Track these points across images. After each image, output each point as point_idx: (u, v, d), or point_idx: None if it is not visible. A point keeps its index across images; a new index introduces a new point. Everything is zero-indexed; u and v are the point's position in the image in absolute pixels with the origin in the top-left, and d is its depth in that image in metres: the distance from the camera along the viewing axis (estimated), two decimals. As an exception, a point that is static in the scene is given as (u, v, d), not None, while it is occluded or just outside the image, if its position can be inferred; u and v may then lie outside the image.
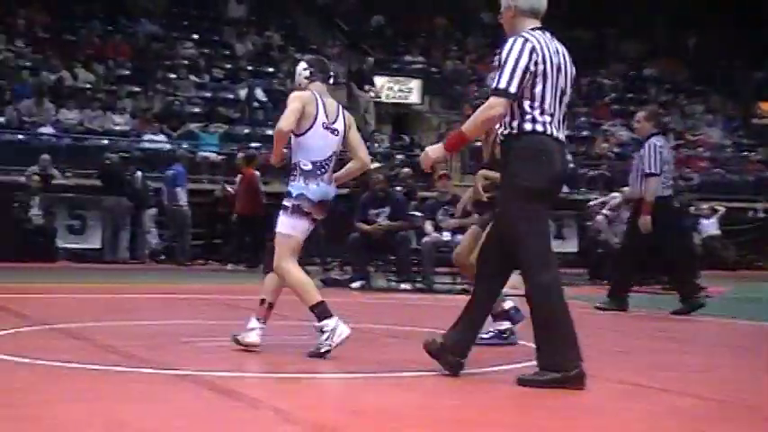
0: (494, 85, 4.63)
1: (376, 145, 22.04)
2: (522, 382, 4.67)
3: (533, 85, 4.64)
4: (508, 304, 6.57)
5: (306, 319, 7.00)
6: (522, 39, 4.66)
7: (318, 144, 5.77)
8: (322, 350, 5.52)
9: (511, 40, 4.69)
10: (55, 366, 5.05)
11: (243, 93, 21.95)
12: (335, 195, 5.89)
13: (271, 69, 23.72)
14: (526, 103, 4.65)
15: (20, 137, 18.89)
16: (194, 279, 11.97)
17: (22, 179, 16.84)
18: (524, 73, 4.60)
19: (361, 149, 5.96)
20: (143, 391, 4.50)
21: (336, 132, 5.82)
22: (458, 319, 4.93)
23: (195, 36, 24.22)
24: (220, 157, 19.68)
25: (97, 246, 16.93)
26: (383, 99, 23.74)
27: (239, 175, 16.11)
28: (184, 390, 4.61)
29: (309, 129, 5.76)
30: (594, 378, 4.83)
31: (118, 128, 19.70)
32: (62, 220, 16.85)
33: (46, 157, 17.24)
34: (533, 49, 4.62)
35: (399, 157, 21.45)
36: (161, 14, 24.72)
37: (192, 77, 22.23)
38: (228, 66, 23.41)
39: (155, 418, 3.86)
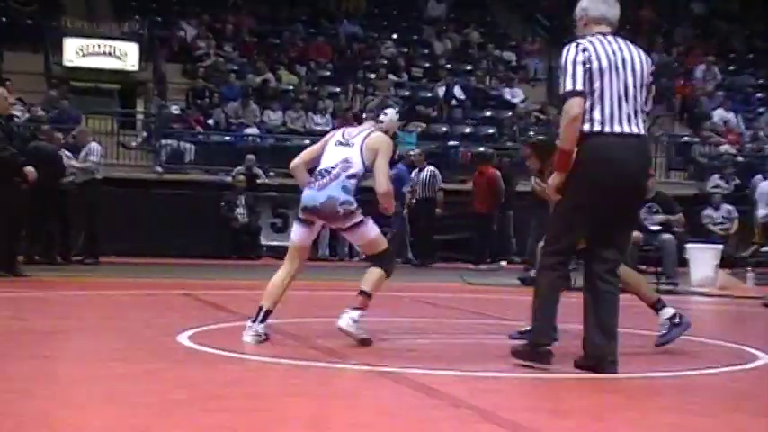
0: (561, 90, 4.89)
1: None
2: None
3: (591, 84, 4.83)
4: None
5: (508, 318, 6.92)
6: (575, 43, 4.97)
7: (329, 153, 6.12)
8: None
9: (565, 48, 5.01)
10: (260, 361, 5.17)
11: (441, 91, 22.02)
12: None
13: (469, 67, 23.69)
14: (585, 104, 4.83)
15: (227, 138, 19.60)
16: (401, 277, 12.04)
17: (229, 179, 17.45)
18: (583, 70, 4.84)
19: (377, 176, 6.02)
20: (345, 388, 4.54)
21: (350, 144, 6.07)
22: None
23: (395, 36, 24.49)
24: (419, 155, 19.77)
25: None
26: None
27: (475, 173, 16.37)
28: (385, 387, 4.62)
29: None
30: None
31: (319, 128, 20.14)
32: (266, 219, 17.34)
33: (251, 157, 17.80)
34: (585, 49, 4.90)
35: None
36: (362, 16, 25.13)
37: (391, 77, 22.47)
38: (427, 64, 23.54)
39: (357, 414, 3.88)
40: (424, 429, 3.66)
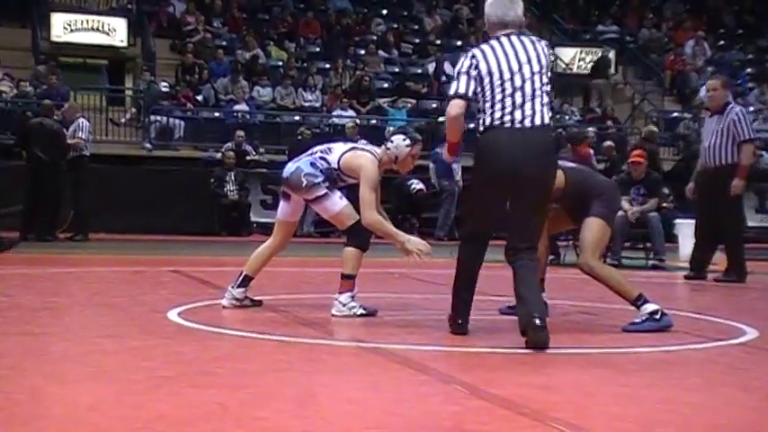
0: (449, 93, 5.44)
1: (566, 117, 21.68)
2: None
3: (481, 86, 5.30)
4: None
5: (500, 295, 6.94)
6: (469, 53, 5.42)
7: None
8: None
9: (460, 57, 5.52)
10: (250, 337, 5.18)
11: (431, 67, 21.98)
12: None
13: (459, 43, 23.65)
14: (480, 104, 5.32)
15: (216, 114, 19.55)
16: (389, 253, 12.05)
17: (218, 155, 17.42)
18: (468, 77, 5.31)
19: (361, 208, 6.09)
20: (332, 363, 4.55)
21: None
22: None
23: (384, 12, 24.43)
24: (409, 131, 19.78)
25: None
26: (574, 70, 23.28)
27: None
28: (372, 362, 4.63)
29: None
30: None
31: (308, 104, 20.10)
32: (255, 195, 17.32)
33: (240, 133, 17.77)
34: (473, 56, 5.33)
35: (590, 129, 21.00)
36: (351, -9, 25.07)
37: (381, 53, 22.42)
38: (417, 40, 23.50)
39: (345, 390, 3.89)
40: (413, 405, 3.67)
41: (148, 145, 18.46)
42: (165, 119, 18.87)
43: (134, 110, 19.71)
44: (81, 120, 14.29)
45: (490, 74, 5.27)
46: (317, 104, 20.26)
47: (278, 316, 6.19)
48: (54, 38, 20.78)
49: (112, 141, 18.43)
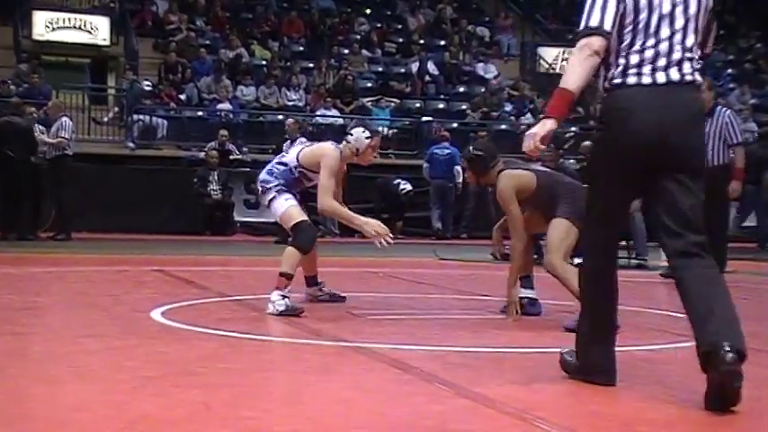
0: (582, 25, 3.96)
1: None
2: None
3: (622, 23, 3.88)
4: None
5: (481, 294, 6.96)
6: None
7: None
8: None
9: None
10: (234, 337, 5.17)
11: (414, 66, 22.00)
12: None
13: (442, 42, 23.68)
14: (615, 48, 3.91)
15: (199, 113, 19.51)
16: (375, 252, 12.07)
17: (202, 155, 17.38)
18: (616, 7, 3.87)
19: (318, 194, 6.16)
20: (319, 363, 4.55)
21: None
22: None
23: (368, 11, 24.43)
24: (392, 131, 19.79)
25: (272, 220, 17.32)
26: (557, 70, 23.34)
27: None
28: (357, 362, 4.63)
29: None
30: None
31: (292, 103, 20.08)
32: (239, 195, 17.30)
33: (224, 132, 17.73)
34: None
35: (573, 129, 21.07)
36: (335, -10, 25.06)
37: (365, 52, 22.42)
38: (401, 40, 23.50)
39: (329, 389, 3.89)
40: (397, 404, 3.67)
41: (131, 144, 18.40)
42: (147, 118, 18.81)
43: (117, 109, 19.64)
44: (64, 119, 14.23)
45: (637, 9, 3.84)
46: (301, 104, 20.24)
47: (262, 315, 6.19)
48: (36, 36, 20.69)
49: (95, 140, 18.36)
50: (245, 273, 9.94)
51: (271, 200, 6.29)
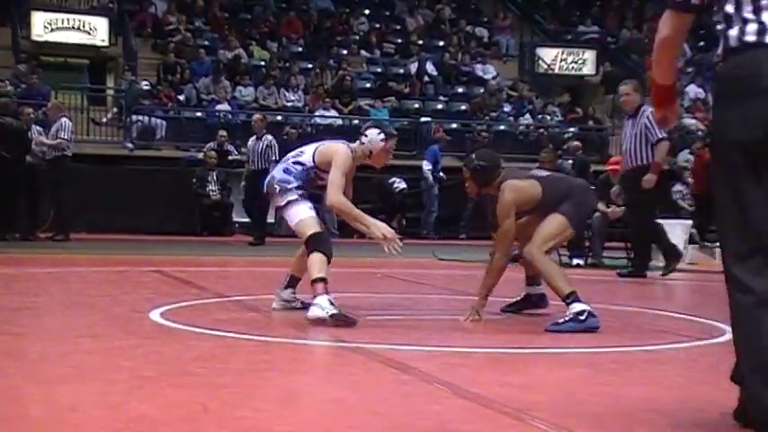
0: None
1: (548, 117, 21.72)
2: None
3: None
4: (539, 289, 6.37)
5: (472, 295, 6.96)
6: None
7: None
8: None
9: None
10: (232, 337, 5.16)
11: (413, 67, 22.00)
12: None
13: (441, 43, 23.68)
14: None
15: (198, 114, 19.50)
16: (374, 253, 12.08)
17: (200, 155, 17.37)
18: None
19: (328, 189, 5.93)
20: (314, 363, 4.55)
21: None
22: None
23: (367, 11, 24.41)
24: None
25: (270, 220, 17.32)
26: (556, 71, 23.35)
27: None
28: (354, 362, 4.63)
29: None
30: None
31: (290, 104, 20.08)
32: (237, 195, 17.27)
33: (223, 133, 17.72)
34: None
35: (572, 129, 21.07)
36: (333, -9, 25.06)
37: (364, 53, 22.42)
38: (399, 40, 23.50)
39: (325, 389, 3.89)
40: (395, 405, 3.67)
41: (130, 145, 18.39)
42: (146, 118, 18.80)
43: (115, 109, 19.63)
44: (64, 119, 14.21)
45: None
46: (300, 104, 20.24)
47: (259, 316, 6.18)
48: (35, 37, 20.68)
49: (94, 141, 18.35)
50: (244, 273, 9.94)
51: (290, 201, 5.99)
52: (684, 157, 19.68)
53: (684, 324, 6.37)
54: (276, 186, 6.04)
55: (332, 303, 5.64)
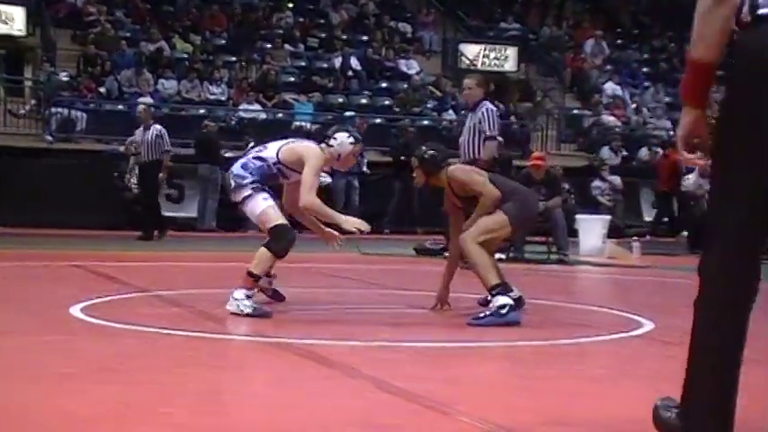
0: None
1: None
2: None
3: None
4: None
5: (402, 288, 6.99)
6: None
7: None
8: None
9: None
10: (154, 333, 5.13)
11: (337, 62, 21.98)
12: None
13: (365, 38, 23.68)
14: None
15: (120, 107, 19.24)
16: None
17: (122, 149, 17.14)
18: None
19: (301, 189, 5.92)
20: (239, 359, 4.54)
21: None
22: None
23: (291, 5, 24.30)
24: (314, 126, 19.76)
25: (194, 215, 17.19)
26: (479, 67, 23.52)
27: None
28: (279, 357, 4.63)
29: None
30: (754, 361, 4.70)
31: (214, 97, 19.93)
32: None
33: (144, 126, 17.49)
34: None
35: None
36: (257, -16, 24.88)
37: (288, 47, 22.33)
38: (323, 35, 23.45)
39: (250, 385, 3.89)
40: (318, 399, 3.68)
41: (49, 137, 18.06)
42: (66, 111, 18.48)
43: (34, 101, 19.25)
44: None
45: None
46: (223, 98, 20.08)
47: (182, 311, 6.14)
48: (-52, 26, 20.18)
49: (11, 133, 17.97)
50: (166, 267, 9.85)
51: (246, 197, 5.98)
52: (606, 154, 20.02)
53: (604, 317, 6.49)
54: (232, 182, 6.05)
55: (249, 297, 5.80)
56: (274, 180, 6.13)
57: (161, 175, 14.28)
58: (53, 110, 18.33)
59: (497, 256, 6.66)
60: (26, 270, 9.03)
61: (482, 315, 5.77)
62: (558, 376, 4.31)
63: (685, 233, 15.04)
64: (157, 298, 6.80)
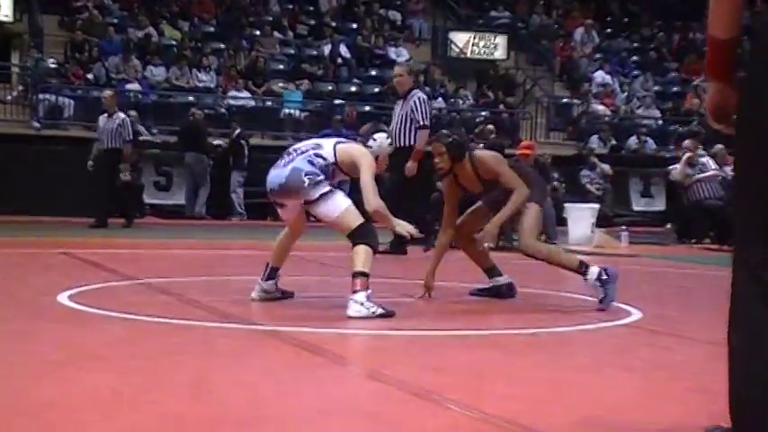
0: None
1: (460, 102, 21.87)
2: None
3: None
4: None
5: (389, 277, 6.99)
6: None
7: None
8: None
9: None
10: (142, 321, 5.12)
11: (327, 49, 21.93)
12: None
13: (355, 26, 23.63)
14: None
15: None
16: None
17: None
18: None
19: (364, 194, 5.70)
20: (229, 347, 4.53)
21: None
22: None
23: (280, -8, 24.23)
24: (303, 113, 19.72)
25: (182, 202, 17.16)
26: (468, 55, 23.50)
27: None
28: (268, 345, 4.63)
29: None
30: (683, 338, 4.72)
31: (203, 85, 19.86)
32: (149, 177, 17.07)
33: (133, 113, 17.44)
34: None
35: (483, 113, 21.25)
36: (246, -29, 24.78)
37: (277, 34, 22.26)
38: (312, 22, 23.38)
39: (239, 373, 3.88)
40: (308, 387, 3.68)
41: (36, 124, 17.98)
42: (53, 97, 18.40)
43: (21, 87, 19.16)
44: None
45: None
46: (212, 85, 20.02)
47: (171, 299, 6.13)
48: (-66, 12, 20.04)
49: (-1, 119, 17.91)
50: (155, 255, 9.83)
51: (324, 194, 5.67)
52: (595, 143, 20.04)
53: (591, 306, 6.50)
54: (305, 180, 5.65)
55: (369, 299, 5.47)
56: (334, 180, 5.87)
57: (121, 165, 13.90)
58: (40, 96, 18.25)
59: (486, 245, 6.69)
60: (13, 257, 9.00)
61: (600, 297, 6.03)
62: (547, 365, 4.32)
63: (669, 225, 15.06)
64: (146, 286, 6.79)
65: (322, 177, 5.69)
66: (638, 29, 26.71)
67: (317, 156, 5.77)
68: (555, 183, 14.22)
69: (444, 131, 6.51)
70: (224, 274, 7.90)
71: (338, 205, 5.68)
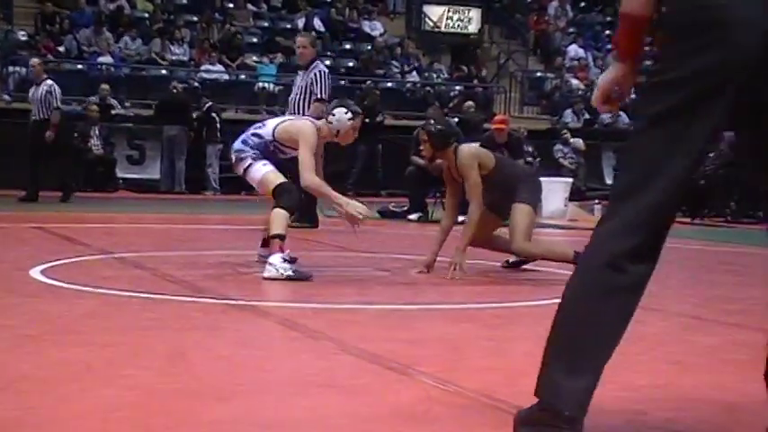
0: None
1: (434, 75, 21.84)
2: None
3: None
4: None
5: (366, 251, 6.99)
6: None
7: None
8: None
9: None
10: (116, 295, 5.10)
11: (301, 22, 21.82)
12: None
13: (328, -1, 23.53)
14: None
15: (79, 66, 19.00)
16: (253, 210, 12.01)
17: (81, 108, 16.95)
18: None
19: (300, 170, 5.99)
20: (203, 321, 4.52)
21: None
22: None
23: (253, -36, 24.05)
24: (278, 87, 19.64)
25: (156, 176, 17.08)
26: (442, 29, 23.45)
27: None
28: (243, 320, 4.63)
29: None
30: (655, 311, 4.76)
31: (176, 58, 19.72)
32: (121, 151, 16.98)
33: (105, 86, 17.32)
34: None
35: (458, 88, 21.24)
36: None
37: (250, 6, 22.12)
38: (286, -5, 23.26)
39: (214, 347, 3.88)
40: (283, 361, 3.69)
41: (7, 96, 17.83)
42: (24, 70, 18.22)
43: (-10, 60, 18.97)
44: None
45: None
46: (185, 58, 19.89)
47: (145, 273, 6.11)
48: None
49: (-32, 93, 17.72)
50: (128, 229, 9.78)
51: (247, 167, 6.16)
52: (569, 117, 20.10)
53: (565, 278, 6.53)
54: (233, 156, 6.28)
55: (286, 261, 5.82)
56: (274, 156, 6.23)
57: (48, 133, 13.37)
58: (10, 69, 18.07)
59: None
60: (-15, 231, 8.93)
61: None
62: (522, 337, 4.34)
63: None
64: (119, 260, 6.76)
65: (247, 153, 6.16)
66: (611, 2, 26.73)
67: (254, 135, 6.24)
68: (529, 158, 14.24)
69: (431, 120, 6.66)
70: (200, 248, 7.88)
71: (257, 173, 6.12)
